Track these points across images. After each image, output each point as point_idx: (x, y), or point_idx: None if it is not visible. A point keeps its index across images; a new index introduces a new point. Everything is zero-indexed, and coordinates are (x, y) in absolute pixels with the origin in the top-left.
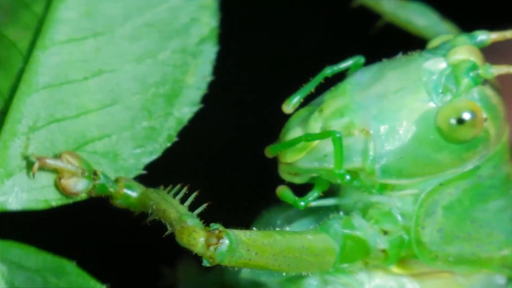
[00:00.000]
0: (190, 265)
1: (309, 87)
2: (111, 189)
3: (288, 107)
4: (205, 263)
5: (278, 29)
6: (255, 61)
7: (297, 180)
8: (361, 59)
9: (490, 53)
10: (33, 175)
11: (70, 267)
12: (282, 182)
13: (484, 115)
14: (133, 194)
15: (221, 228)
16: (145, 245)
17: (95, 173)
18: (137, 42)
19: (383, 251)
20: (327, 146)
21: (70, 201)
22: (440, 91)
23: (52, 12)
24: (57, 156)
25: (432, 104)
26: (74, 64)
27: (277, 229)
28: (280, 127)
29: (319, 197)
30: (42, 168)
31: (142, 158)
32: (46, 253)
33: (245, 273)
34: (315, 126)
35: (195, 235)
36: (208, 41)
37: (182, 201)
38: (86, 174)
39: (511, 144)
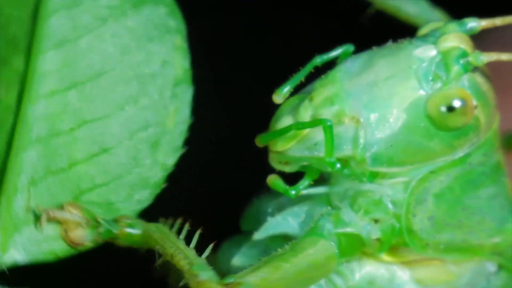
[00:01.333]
0: None
1: (299, 77)
2: (116, 231)
3: (278, 97)
4: None
5: (266, 18)
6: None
7: (288, 168)
8: (350, 48)
9: (480, 40)
10: (41, 227)
11: None
12: (273, 172)
13: (475, 102)
14: (136, 232)
15: (237, 279)
16: None
17: (97, 221)
18: (118, 89)
19: (378, 239)
20: (318, 134)
21: (76, 251)
22: (430, 78)
23: (32, 66)
24: (60, 208)
25: (422, 92)
26: (61, 116)
27: (268, 217)
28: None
29: (310, 186)
30: (48, 220)
31: (135, 206)
32: None
33: (237, 262)
34: (305, 114)
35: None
36: (183, 83)
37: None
38: (90, 223)
39: (501, 133)
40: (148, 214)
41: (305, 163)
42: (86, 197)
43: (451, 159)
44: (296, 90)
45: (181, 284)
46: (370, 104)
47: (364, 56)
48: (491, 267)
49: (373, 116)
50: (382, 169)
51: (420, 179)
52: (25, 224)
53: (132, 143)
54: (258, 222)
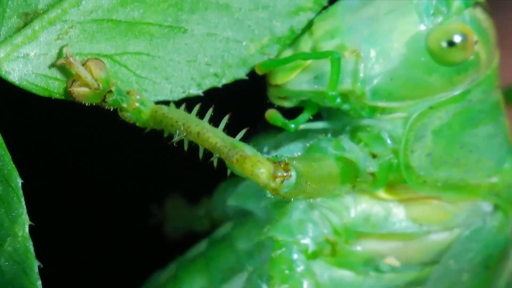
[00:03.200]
0: (177, 201)
1: None
2: (124, 105)
3: None
4: (268, 194)
5: None
6: None
7: (287, 103)
8: None
9: None
10: (53, 65)
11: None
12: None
13: (475, 38)
14: (146, 109)
15: (287, 159)
16: (132, 184)
17: (110, 91)
18: None
19: (372, 174)
20: (319, 67)
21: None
22: (431, 13)
23: None
24: (84, 59)
25: (423, 26)
26: None
27: (265, 156)
28: None
29: (308, 121)
30: (63, 64)
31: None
32: None
33: (232, 202)
34: (305, 47)
35: (260, 166)
36: None
37: None
38: (99, 91)
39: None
40: None
41: (304, 98)
42: (128, 60)
43: (450, 95)
44: None
45: (212, 159)
46: (370, 38)
47: None
48: (487, 207)
49: (373, 50)
50: (382, 104)
51: (419, 115)
52: (42, 51)
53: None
54: None
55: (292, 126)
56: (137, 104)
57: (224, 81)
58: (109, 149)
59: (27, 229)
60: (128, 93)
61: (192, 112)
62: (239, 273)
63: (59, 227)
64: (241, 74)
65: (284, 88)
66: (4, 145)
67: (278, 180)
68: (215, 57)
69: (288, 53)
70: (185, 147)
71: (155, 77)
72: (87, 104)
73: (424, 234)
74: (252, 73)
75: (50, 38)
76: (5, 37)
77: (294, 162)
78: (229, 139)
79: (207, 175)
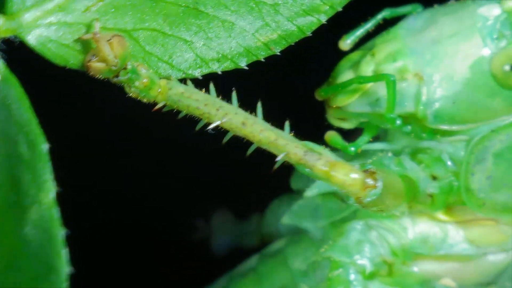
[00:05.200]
0: (224, 216)
1: (367, 26)
2: (137, 83)
3: (344, 43)
4: (351, 202)
5: None
6: None
7: (346, 125)
8: (418, 8)
9: None
10: (78, 37)
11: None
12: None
13: None
14: (154, 85)
15: (373, 168)
16: (178, 198)
17: (124, 68)
18: None
19: (431, 195)
20: (379, 90)
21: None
22: (495, 37)
23: None
24: (110, 35)
25: (486, 50)
26: None
27: None
28: None
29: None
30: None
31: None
32: None
33: (286, 220)
34: (367, 69)
35: (354, 173)
36: None
37: None
38: (116, 68)
39: None
40: None
41: (364, 120)
42: (137, 34)
43: None
44: None
45: (277, 159)
46: (433, 61)
47: (426, 14)
48: None
49: (436, 73)
50: (443, 127)
51: (481, 138)
52: (68, 21)
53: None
54: (309, 180)
55: (352, 149)
56: (145, 80)
57: (224, 68)
58: (156, 160)
59: (52, 196)
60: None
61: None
62: None
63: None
64: (243, 63)
65: (344, 110)
66: (31, 109)
67: (367, 189)
68: (222, 43)
69: (349, 75)
70: (225, 139)
71: (161, 54)
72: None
73: (481, 256)
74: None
75: (78, 8)
76: (36, 2)
77: (380, 172)
78: (292, 138)
79: (254, 190)
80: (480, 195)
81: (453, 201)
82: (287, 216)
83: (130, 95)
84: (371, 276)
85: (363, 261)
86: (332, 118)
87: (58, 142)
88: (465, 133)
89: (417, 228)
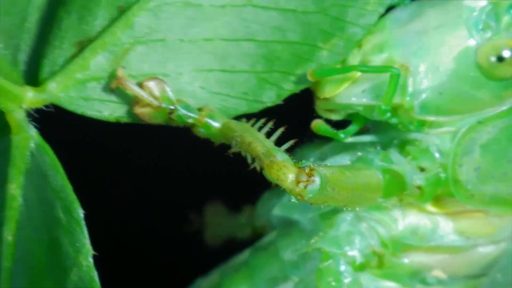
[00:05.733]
0: (217, 208)
1: None
2: (190, 120)
3: None
4: (292, 199)
5: None
6: None
7: (334, 116)
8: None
9: None
10: (111, 89)
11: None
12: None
13: None
14: (215, 124)
15: (312, 165)
16: (170, 191)
17: (173, 105)
18: None
19: (419, 187)
20: (368, 81)
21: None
22: (480, 28)
23: None
24: (143, 80)
25: (472, 41)
26: None
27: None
28: None
29: (356, 134)
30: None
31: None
32: None
33: (277, 212)
34: (354, 60)
35: (285, 171)
36: None
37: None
38: (163, 106)
39: None
40: None
41: (352, 111)
42: (185, 76)
43: (498, 110)
44: None
45: (251, 167)
46: (419, 52)
47: (413, 6)
48: None
49: (422, 64)
50: (430, 118)
51: (467, 129)
52: (99, 78)
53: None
54: None
55: (342, 135)
56: (206, 119)
57: (302, 86)
58: (148, 153)
59: (90, 259)
60: (200, 109)
61: (254, 125)
62: (284, 283)
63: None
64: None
65: (332, 101)
66: (65, 176)
67: (301, 185)
68: (288, 62)
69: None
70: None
71: (228, 91)
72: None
73: (471, 247)
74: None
75: (105, 62)
76: (62, 67)
77: (321, 168)
78: (270, 146)
79: (246, 183)
80: (468, 186)
81: (442, 192)
82: (278, 208)
83: (196, 134)
84: (361, 267)
85: (353, 252)
86: (320, 109)
87: None
88: (452, 125)
89: (407, 220)
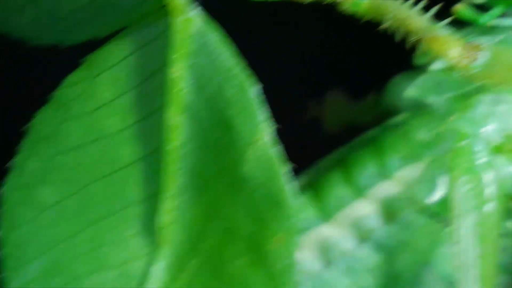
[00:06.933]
0: (337, 95)
1: None
2: None
3: None
4: (456, 73)
5: None
6: None
7: None
8: None
9: None
10: None
11: None
12: None
13: None
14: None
15: (477, 42)
16: (289, 79)
17: None
18: None
19: None
20: None
21: None
22: None
23: None
24: None
25: None
26: None
27: None
28: None
29: (498, 17)
30: None
31: None
32: None
33: (411, 92)
34: None
35: (451, 45)
36: None
37: None
38: None
39: None
40: None
41: None
42: None
43: None
44: None
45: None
46: None
47: None
48: None
49: None
50: None
51: None
52: None
53: None
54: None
55: (484, 19)
56: None
57: None
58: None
59: (268, 137)
60: None
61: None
62: (415, 162)
63: None
64: None
65: None
66: (235, 54)
67: (466, 60)
68: None
69: None
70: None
71: None
72: None
73: None
74: None
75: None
76: None
77: (485, 45)
78: (431, 21)
79: (369, 71)
80: None
81: None
82: (411, 88)
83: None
84: (497, 150)
85: (490, 134)
86: None
87: None
88: None
89: None
